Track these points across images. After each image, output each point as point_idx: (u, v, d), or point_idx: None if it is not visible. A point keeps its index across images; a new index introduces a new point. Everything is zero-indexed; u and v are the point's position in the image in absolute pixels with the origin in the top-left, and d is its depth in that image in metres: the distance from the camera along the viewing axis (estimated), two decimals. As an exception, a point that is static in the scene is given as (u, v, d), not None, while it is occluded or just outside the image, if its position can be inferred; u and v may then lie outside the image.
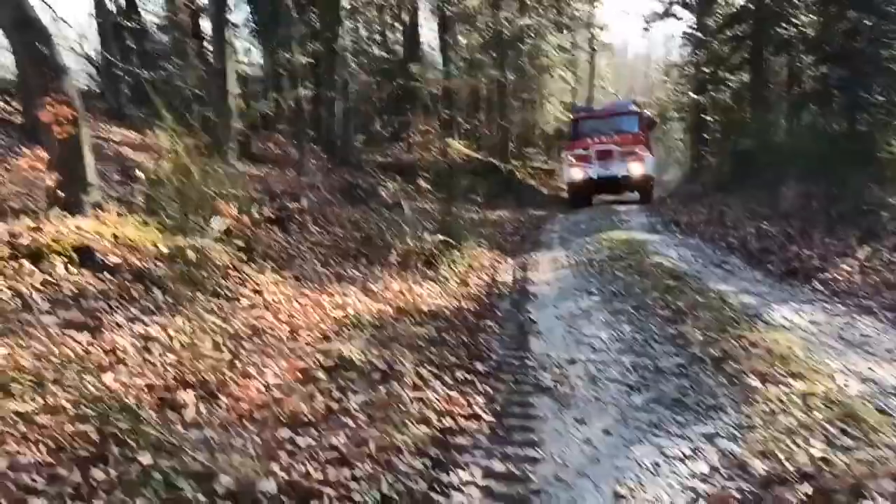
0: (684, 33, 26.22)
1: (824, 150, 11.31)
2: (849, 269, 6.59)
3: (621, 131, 18.54)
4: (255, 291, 5.16)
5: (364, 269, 6.70)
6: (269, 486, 2.50)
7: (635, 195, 19.85)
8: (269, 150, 14.07)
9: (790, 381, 3.53)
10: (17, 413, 2.83)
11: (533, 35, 26.80)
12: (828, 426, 2.97)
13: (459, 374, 4.00)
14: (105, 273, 4.42)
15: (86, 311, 3.99)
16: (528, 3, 26.60)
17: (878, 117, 11.47)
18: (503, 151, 26.20)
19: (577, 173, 18.38)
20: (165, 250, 4.86)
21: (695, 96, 22.90)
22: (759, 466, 2.73)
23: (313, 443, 2.94)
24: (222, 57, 10.35)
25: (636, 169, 17.98)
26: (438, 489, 2.73)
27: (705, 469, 2.81)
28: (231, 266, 5.20)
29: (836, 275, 6.49)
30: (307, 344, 4.25)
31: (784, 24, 16.42)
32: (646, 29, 41.55)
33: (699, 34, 22.58)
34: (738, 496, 2.56)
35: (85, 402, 2.99)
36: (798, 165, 11.42)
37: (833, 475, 2.57)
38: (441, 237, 7.48)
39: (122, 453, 2.70)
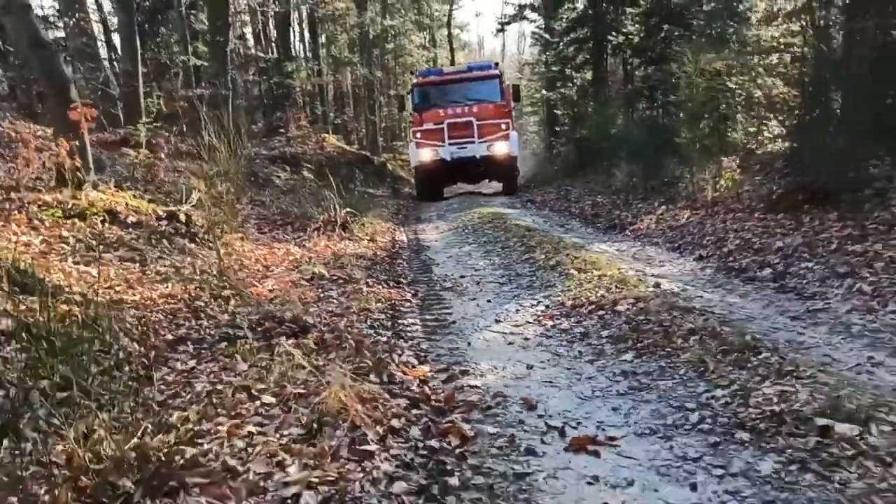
0: (534, 34, 29.53)
1: (646, 138, 14.39)
2: (649, 222, 9.42)
3: (481, 100, 15.89)
4: (226, 245, 7.16)
5: (293, 234, 8.77)
6: (310, 319, 4.66)
7: (497, 185, 17.91)
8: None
9: (594, 272, 6.06)
10: (131, 300, 4.83)
11: (396, 34, 29.24)
12: (609, 286, 5.50)
13: (392, 283, 6.27)
14: (130, 228, 6.31)
15: (130, 251, 5.90)
16: (390, 3, 28.96)
17: (673, 111, 14.63)
18: (374, 144, 28.46)
19: (425, 154, 15.57)
20: (163, 213, 6.78)
21: (546, 92, 26.03)
22: (569, 303, 5.20)
23: (319, 307, 5.11)
24: (134, 60, 11.92)
25: (501, 148, 15.44)
26: (398, 326, 4.99)
27: (542, 308, 5.25)
28: (207, 226, 7.17)
29: (640, 226, 9.29)
30: (283, 271, 6.36)
31: (615, 32, 19.71)
32: (500, 30, 44.91)
33: (547, 36, 25.71)
34: (556, 312, 5.01)
35: (166, 298, 5.01)
36: (628, 151, 14.42)
37: (605, 300, 5.07)
38: (349, 210, 9.64)
39: (209, 314, 4.76)
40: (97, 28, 16.76)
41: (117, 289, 4.86)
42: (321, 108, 25.35)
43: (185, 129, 11.86)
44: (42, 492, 2.27)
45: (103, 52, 16.52)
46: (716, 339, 3.97)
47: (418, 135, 15.89)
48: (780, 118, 12.16)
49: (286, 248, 7.72)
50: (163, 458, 2.58)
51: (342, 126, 27.55)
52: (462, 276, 6.69)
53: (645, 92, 18.52)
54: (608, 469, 2.77)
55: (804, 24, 11.64)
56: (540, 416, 3.29)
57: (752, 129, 13.49)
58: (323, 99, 25.95)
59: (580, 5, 22.41)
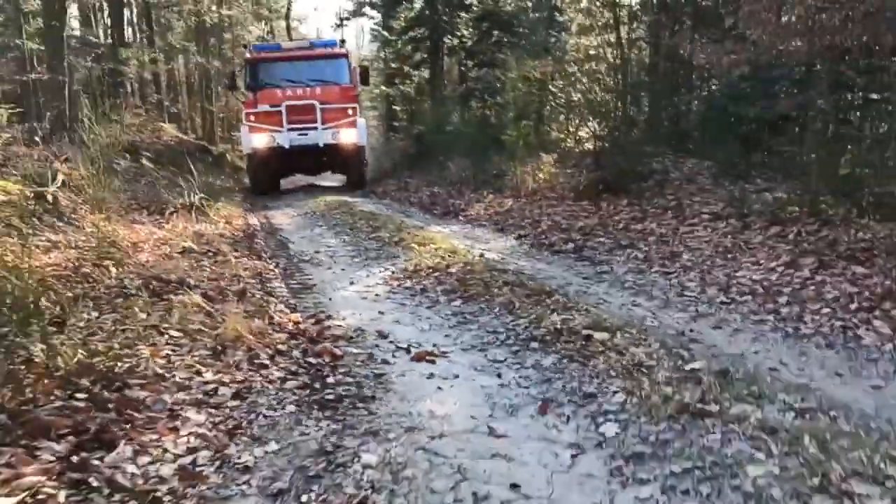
0: (373, 30, 30.53)
1: (477, 135, 15.86)
2: (479, 208, 10.79)
3: (325, 81, 14.68)
4: (93, 224, 7.67)
5: (150, 217, 9.29)
6: (192, 280, 5.45)
7: (338, 178, 17.54)
8: None
9: (432, 246, 7.23)
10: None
11: (234, 24, 29.23)
12: (444, 256, 6.67)
13: (255, 257, 7.12)
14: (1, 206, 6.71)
15: (7, 227, 6.34)
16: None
17: (501, 112, 16.24)
18: (211, 134, 28.31)
19: (259, 140, 14.08)
20: (30, 194, 7.20)
21: (385, 88, 27.13)
22: (411, 269, 6.32)
23: (197, 273, 5.90)
24: None
25: (348, 136, 14.37)
26: (267, 288, 5.88)
27: (389, 273, 6.34)
28: (73, 207, 7.62)
29: (471, 212, 10.64)
30: (151, 247, 7.02)
31: (450, 35, 21.19)
32: (339, 25, 45.51)
33: (385, 33, 26.76)
34: (401, 276, 6.12)
35: (54, 266, 5.61)
36: (462, 147, 15.80)
37: (440, 266, 6.24)
38: (202, 195, 10.23)
39: (97, 279, 5.43)
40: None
41: (6, 258, 5.40)
42: (157, 96, 25.01)
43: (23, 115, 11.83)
44: (25, 383, 3.05)
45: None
46: (523, 289, 5.25)
47: (252, 118, 14.26)
48: (599, 121, 14.07)
49: (149, 228, 8.29)
50: (105, 368, 3.41)
51: (177, 115, 27.22)
52: (317, 252, 7.64)
53: (476, 93, 20.09)
54: (441, 370, 3.90)
55: (614, 38, 13.52)
56: (391, 342, 4.37)
57: (570, 129, 15.36)
58: (158, 87, 25.58)
59: (418, 5, 23.37)
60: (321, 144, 14.26)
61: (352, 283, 6.09)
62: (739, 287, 5.34)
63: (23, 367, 3.21)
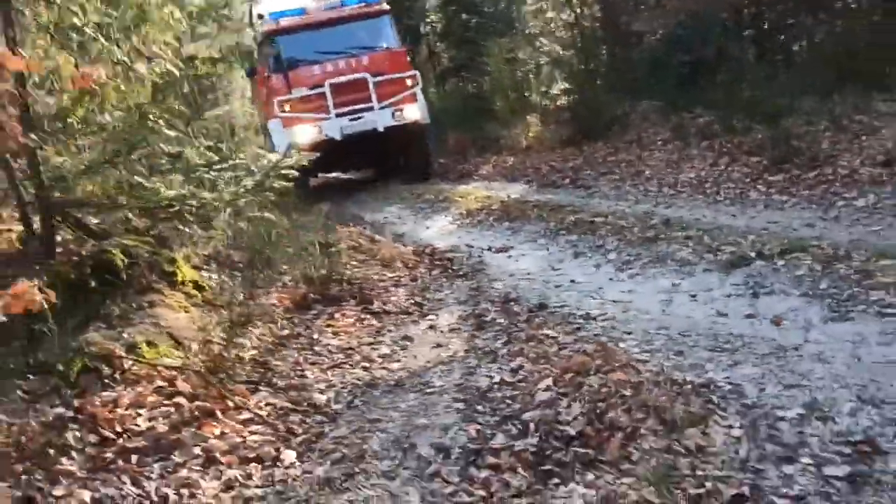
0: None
1: (464, 108, 18.70)
2: (488, 168, 13.76)
3: (370, 47, 12.20)
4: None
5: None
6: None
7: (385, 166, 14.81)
8: None
9: (469, 197, 10.21)
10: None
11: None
12: (482, 200, 9.68)
13: (351, 224, 10.11)
14: None
15: None
16: None
17: (491, 84, 19.07)
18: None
19: (301, 134, 11.20)
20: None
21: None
22: (464, 212, 9.32)
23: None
24: None
25: (411, 113, 12.00)
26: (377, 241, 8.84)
27: (450, 219, 9.33)
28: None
29: (482, 171, 13.61)
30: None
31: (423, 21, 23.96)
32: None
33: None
34: (459, 217, 9.13)
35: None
36: (452, 120, 18.64)
37: (483, 206, 9.25)
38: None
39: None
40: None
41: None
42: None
43: None
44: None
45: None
46: (544, 209, 8.29)
47: (285, 107, 11.50)
48: (563, 74, 16.98)
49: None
50: (352, 277, 6.40)
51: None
52: (386, 217, 10.60)
53: (452, 71, 22.89)
54: (512, 254, 6.94)
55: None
56: (476, 248, 7.38)
57: (543, 89, 18.29)
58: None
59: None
60: (381, 128, 11.78)
61: (428, 228, 9.09)
62: (682, 183, 8.41)
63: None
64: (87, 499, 2.67)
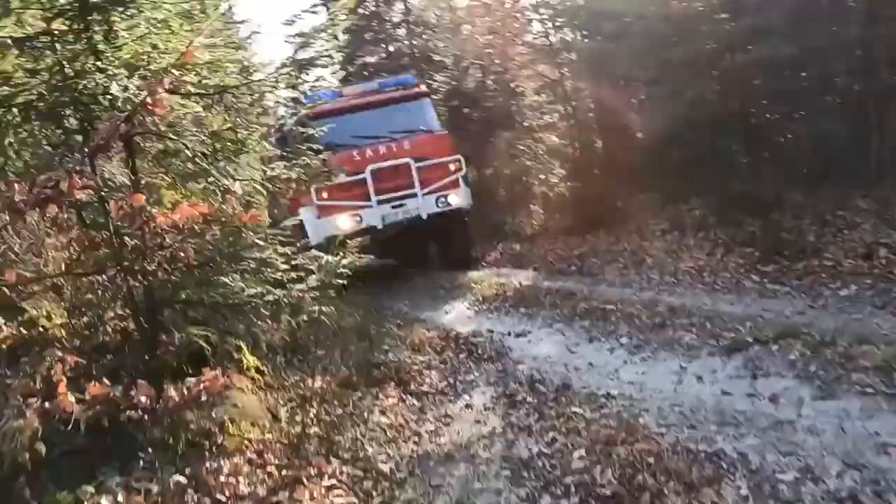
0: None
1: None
2: (496, 255, 14.54)
3: (410, 131, 11.89)
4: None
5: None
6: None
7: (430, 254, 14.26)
8: None
9: (483, 283, 10.94)
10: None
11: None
12: (496, 287, 10.41)
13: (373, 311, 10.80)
14: None
15: None
16: None
17: (495, 174, 20.06)
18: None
19: (340, 223, 10.69)
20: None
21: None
22: (481, 298, 10.04)
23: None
24: None
25: (455, 200, 11.61)
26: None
27: (467, 304, 10.04)
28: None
29: (490, 259, 14.39)
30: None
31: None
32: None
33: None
34: (477, 304, 9.84)
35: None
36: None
37: (499, 292, 9.99)
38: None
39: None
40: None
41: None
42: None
43: None
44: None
45: None
46: (556, 295, 9.02)
47: (323, 194, 10.75)
48: (559, 163, 18.05)
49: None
50: (381, 362, 7.04)
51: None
52: (405, 303, 11.30)
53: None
54: (531, 338, 7.63)
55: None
56: (496, 333, 8.06)
57: (542, 177, 19.36)
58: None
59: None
60: (424, 216, 11.35)
61: (447, 314, 9.78)
62: (682, 272, 9.19)
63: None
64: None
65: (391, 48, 20.80)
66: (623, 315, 7.46)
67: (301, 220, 9.60)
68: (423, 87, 12.82)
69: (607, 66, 14.39)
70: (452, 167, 11.61)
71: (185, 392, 4.17)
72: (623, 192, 13.71)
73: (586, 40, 16.80)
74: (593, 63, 15.43)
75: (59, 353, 3.83)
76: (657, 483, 3.71)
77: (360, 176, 11.03)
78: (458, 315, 9.57)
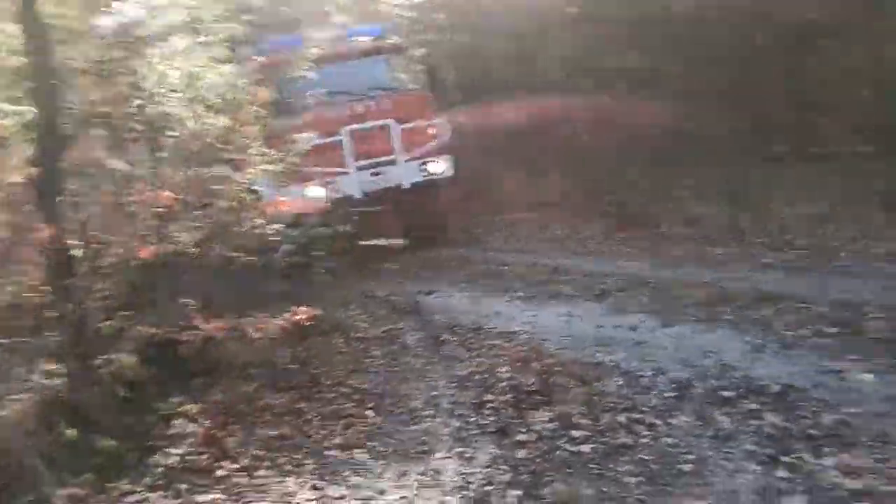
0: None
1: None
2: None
3: (389, 88, 10.57)
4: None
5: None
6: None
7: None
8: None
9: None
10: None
11: None
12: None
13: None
14: None
15: None
16: None
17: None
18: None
19: (311, 194, 9.15)
20: None
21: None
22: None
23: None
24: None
25: (440, 169, 10.53)
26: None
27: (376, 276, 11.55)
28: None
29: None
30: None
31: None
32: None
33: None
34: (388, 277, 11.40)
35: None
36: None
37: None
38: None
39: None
40: None
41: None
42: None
43: None
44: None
45: None
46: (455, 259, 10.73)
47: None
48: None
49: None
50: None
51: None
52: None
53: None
54: (441, 297, 9.29)
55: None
56: (410, 292, 9.65)
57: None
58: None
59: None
60: (406, 185, 10.33)
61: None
62: (555, 239, 11.18)
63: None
64: None
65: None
66: (515, 274, 9.30)
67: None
68: (400, 41, 11.35)
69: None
70: (432, 131, 10.50)
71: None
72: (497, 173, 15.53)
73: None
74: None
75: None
76: (563, 381, 5.49)
77: (337, 137, 9.82)
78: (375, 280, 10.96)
